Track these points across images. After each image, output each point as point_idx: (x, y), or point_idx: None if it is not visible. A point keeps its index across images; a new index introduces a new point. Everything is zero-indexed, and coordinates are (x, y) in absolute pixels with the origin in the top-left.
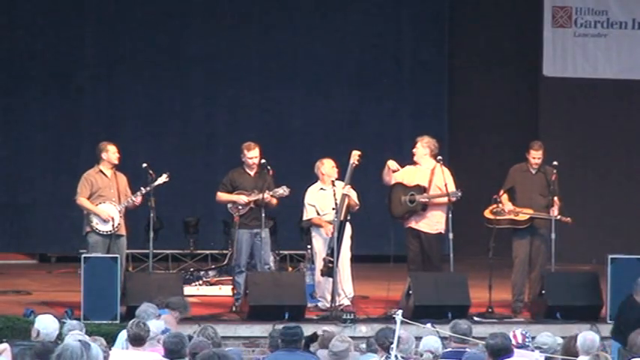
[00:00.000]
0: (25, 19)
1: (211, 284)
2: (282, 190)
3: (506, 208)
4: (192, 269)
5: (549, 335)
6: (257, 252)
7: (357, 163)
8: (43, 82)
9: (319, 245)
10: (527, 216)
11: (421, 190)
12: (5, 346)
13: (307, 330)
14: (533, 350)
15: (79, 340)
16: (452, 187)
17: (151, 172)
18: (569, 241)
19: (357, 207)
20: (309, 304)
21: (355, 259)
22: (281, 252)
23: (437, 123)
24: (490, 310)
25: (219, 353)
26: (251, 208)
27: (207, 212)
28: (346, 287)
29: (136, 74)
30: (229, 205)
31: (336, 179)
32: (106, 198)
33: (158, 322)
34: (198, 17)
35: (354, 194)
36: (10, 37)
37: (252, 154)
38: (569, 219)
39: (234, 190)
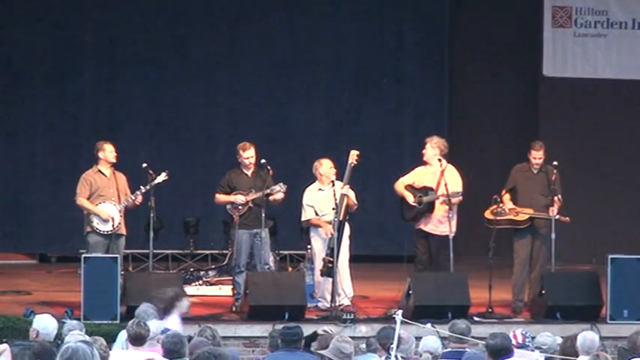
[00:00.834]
0: (25, 19)
1: (211, 284)
2: (279, 187)
3: (506, 208)
4: (192, 269)
5: (549, 335)
6: (257, 252)
7: (355, 162)
8: (43, 82)
9: (319, 245)
10: (527, 216)
11: (428, 191)
12: (5, 346)
13: (307, 330)
14: (533, 350)
15: (84, 341)
16: (456, 188)
17: (150, 171)
18: (569, 241)
19: (356, 207)
20: (309, 304)
21: (355, 259)
22: (281, 252)
23: (437, 123)
24: (490, 310)
25: (215, 352)
26: (250, 207)
27: (207, 212)
28: (346, 287)
29: (136, 75)
30: (228, 206)
31: (335, 179)
32: (105, 198)
33: (158, 322)
34: (199, 17)
35: (352, 194)
36: (10, 37)
37: (248, 155)
38: (567, 219)
39: (231, 191)
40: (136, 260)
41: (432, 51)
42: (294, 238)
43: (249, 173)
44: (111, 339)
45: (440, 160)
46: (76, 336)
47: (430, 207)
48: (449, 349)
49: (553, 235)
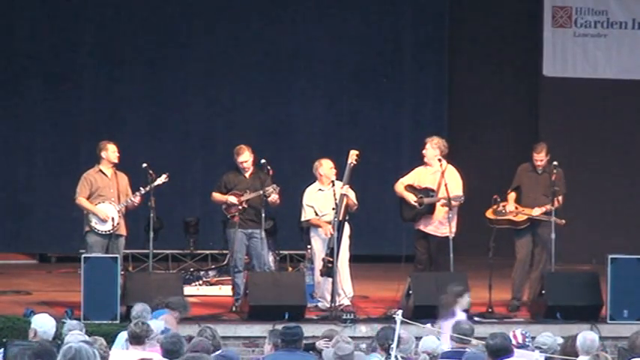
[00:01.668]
0: (25, 20)
1: (211, 284)
2: (272, 189)
3: (507, 208)
4: (192, 269)
5: (549, 335)
6: (254, 252)
7: (355, 162)
8: (43, 82)
9: (318, 245)
10: (526, 217)
11: (429, 192)
12: None
13: (307, 330)
14: (533, 350)
15: (85, 341)
16: (457, 190)
17: (150, 172)
18: (569, 241)
19: (356, 207)
20: (309, 304)
21: (355, 259)
22: (281, 252)
23: (437, 123)
24: (490, 310)
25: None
26: (244, 208)
27: (207, 212)
28: (346, 287)
29: (136, 74)
30: (223, 206)
31: (335, 179)
32: (105, 198)
33: (158, 322)
34: (199, 17)
35: (352, 194)
36: (10, 37)
37: (243, 159)
38: (562, 221)
39: (227, 192)
40: (136, 260)
41: (432, 51)
42: (294, 238)
43: (247, 175)
44: (111, 339)
45: (440, 160)
46: (76, 336)
47: (431, 208)
48: (449, 349)
49: (553, 235)
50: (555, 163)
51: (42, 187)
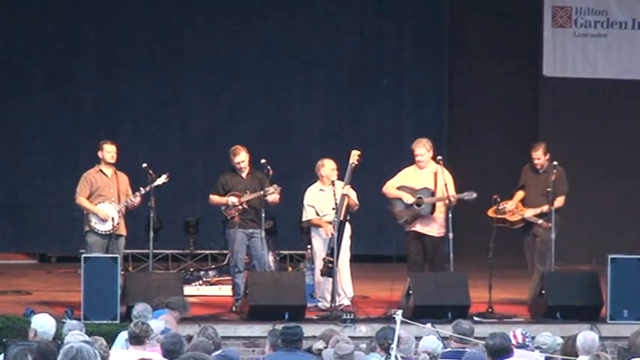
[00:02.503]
0: (25, 19)
1: (211, 284)
2: (273, 189)
3: (507, 207)
4: (192, 269)
5: (549, 335)
6: (255, 253)
7: (356, 162)
8: (43, 83)
9: (319, 245)
10: (519, 217)
11: (429, 192)
12: None
13: (307, 330)
14: (533, 350)
15: (85, 341)
16: (452, 189)
17: (150, 172)
18: (569, 241)
19: (357, 207)
20: (309, 304)
21: (355, 259)
22: (281, 252)
23: (437, 123)
24: (490, 310)
25: (198, 357)
26: (244, 209)
27: (207, 212)
28: (346, 287)
29: (136, 74)
30: (222, 208)
31: (336, 179)
32: (105, 198)
33: (158, 322)
34: (198, 17)
35: (353, 194)
36: (10, 37)
37: (239, 159)
38: (548, 225)
39: (225, 193)
40: (136, 260)
41: (432, 51)
42: (294, 238)
43: (243, 175)
44: (111, 339)
45: (440, 160)
46: (76, 336)
47: (432, 208)
48: (449, 349)
49: (553, 235)
50: (555, 163)
51: (42, 187)
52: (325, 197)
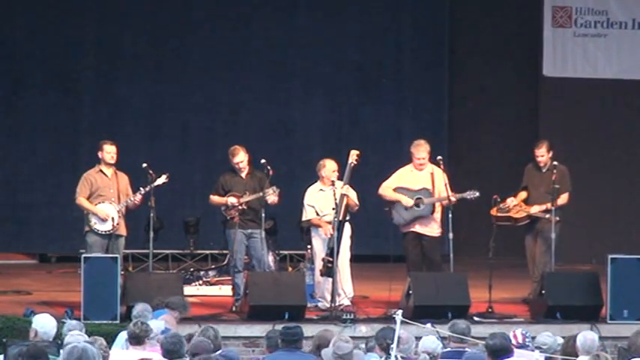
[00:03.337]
0: (25, 20)
1: (211, 284)
2: (272, 191)
3: (510, 205)
4: (192, 269)
5: (549, 335)
6: (254, 253)
7: (355, 162)
8: (43, 82)
9: (319, 245)
10: (525, 214)
11: (428, 193)
12: None
13: (307, 330)
14: (533, 350)
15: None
16: (448, 189)
17: (150, 172)
18: (569, 241)
19: (357, 207)
20: (309, 304)
21: (355, 259)
22: (281, 252)
23: (437, 123)
24: (490, 310)
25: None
26: (244, 209)
27: (207, 212)
28: (346, 287)
29: (136, 74)
30: (222, 208)
31: (336, 179)
32: (105, 198)
33: (158, 322)
34: (199, 17)
35: (353, 194)
36: (10, 37)
37: (238, 159)
38: (556, 218)
39: (225, 194)
40: (136, 260)
41: (432, 51)
42: (294, 238)
43: (243, 175)
44: (111, 339)
45: (440, 160)
46: (76, 336)
47: (432, 208)
48: (449, 349)
49: (553, 235)
50: (555, 163)
51: (42, 187)
52: (325, 197)
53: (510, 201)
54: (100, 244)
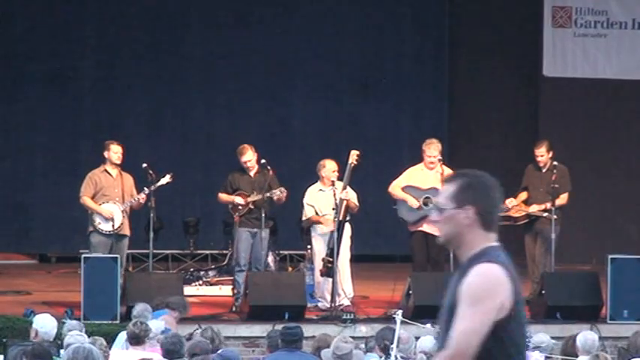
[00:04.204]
0: (25, 19)
1: (211, 284)
2: (279, 192)
3: (509, 205)
4: (192, 269)
5: (543, 334)
6: (255, 252)
7: (355, 162)
8: (43, 82)
9: (319, 245)
10: (524, 212)
11: (437, 192)
12: None
13: (307, 330)
14: (532, 350)
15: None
16: None
17: (151, 172)
18: (569, 241)
19: (357, 208)
20: (309, 304)
21: (355, 259)
22: (281, 252)
23: (437, 123)
24: None
25: None
26: (250, 208)
27: (207, 212)
28: (346, 287)
29: (136, 74)
30: (230, 206)
31: (336, 180)
32: (109, 198)
33: (158, 322)
34: (198, 17)
35: (353, 195)
36: (10, 37)
37: (246, 158)
38: (554, 217)
39: (234, 192)
40: (136, 260)
41: (432, 51)
42: (294, 238)
43: (251, 174)
44: (111, 339)
45: (440, 160)
46: (75, 336)
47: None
48: None
49: (553, 235)
50: (555, 163)
51: (42, 187)
52: (325, 197)
53: (509, 202)
54: (104, 244)
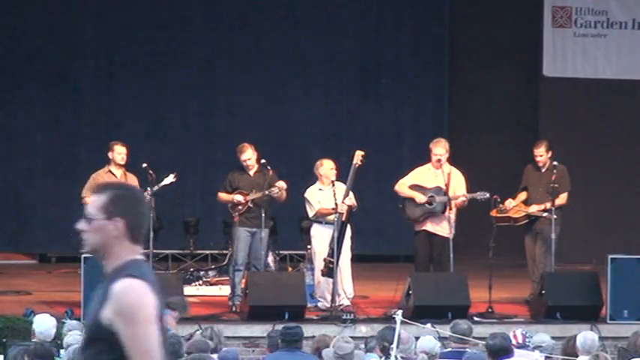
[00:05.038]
0: (24, 19)
1: (211, 284)
2: (277, 189)
3: (508, 206)
4: (192, 269)
5: (543, 334)
6: (254, 251)
7: (360, 163)
8: (43, 82)
9: (319, 245)
10: (523, 213)
11: (442, 192)
12: None
13: (307, 330)
14: (533, 350)
15: None
16: (464, 190)
17: (150, 172)
18: (569, 241)
19: (355, 207)
20: (309, 304)
21: (355, 259)
22: (281, 252)
23: (437, 123)
24: (490, 310)
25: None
26: (249, 207)
27: (207, 212)
28: (346, 287)
29: (135, 74)
30: (229, 205)
31: (335, 180)
32: None
33: None
34: (198, 17)
35: (350, 194)
36: (10, 37)
37: (246, 157)
38: (553, 216)
39: (233, 191)
40: None
41: (432, 51)
42: (294, 238)
43: (251, 173)
44: None
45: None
46: (75, 336)
47: (443, 207)
48: (449, 349)
49: (553, 235)
50: (555, 163)
51: (42, 187)
52: (325, 197)
53: (509, 202)
54: None
